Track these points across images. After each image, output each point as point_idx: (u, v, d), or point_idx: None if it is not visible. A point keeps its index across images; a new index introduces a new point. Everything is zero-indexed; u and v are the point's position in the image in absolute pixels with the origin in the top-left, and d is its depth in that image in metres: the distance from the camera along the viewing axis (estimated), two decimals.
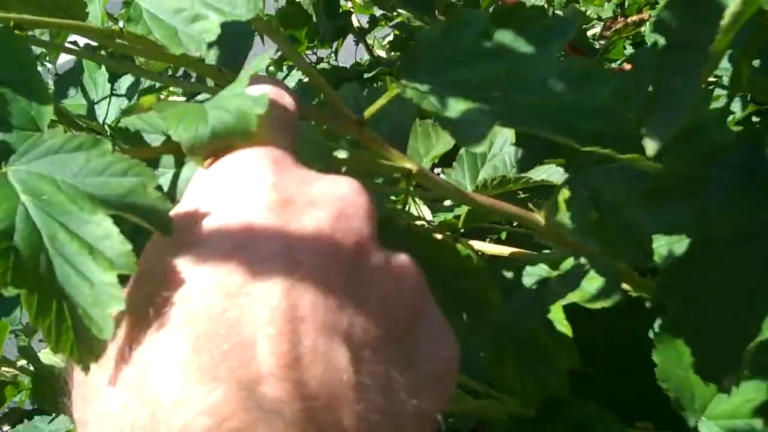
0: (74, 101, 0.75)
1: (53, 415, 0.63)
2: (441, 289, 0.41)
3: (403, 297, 0.30)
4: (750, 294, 0.36)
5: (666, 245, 0.52)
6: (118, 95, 0.73)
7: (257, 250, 0.27)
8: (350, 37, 1.25)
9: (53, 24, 0.39)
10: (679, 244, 0.52)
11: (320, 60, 1.32)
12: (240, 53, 0.44)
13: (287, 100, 0.35)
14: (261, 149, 0.31)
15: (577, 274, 0.45)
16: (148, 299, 0.27)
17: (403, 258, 0.31)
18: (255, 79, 0.33)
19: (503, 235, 0.75)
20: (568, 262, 0.45)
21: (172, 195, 0.37)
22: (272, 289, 0.26)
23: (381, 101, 0.39)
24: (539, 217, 0.43)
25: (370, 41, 1.29)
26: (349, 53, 1.36)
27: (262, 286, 0.26)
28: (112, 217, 0.28)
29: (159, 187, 0.29)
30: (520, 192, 0.78)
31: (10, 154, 0.29)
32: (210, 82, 0.43)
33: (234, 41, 0.43)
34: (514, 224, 0.73)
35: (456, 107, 0.37)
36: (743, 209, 0.36)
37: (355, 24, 1.25)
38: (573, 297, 0.43)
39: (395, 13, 1.17)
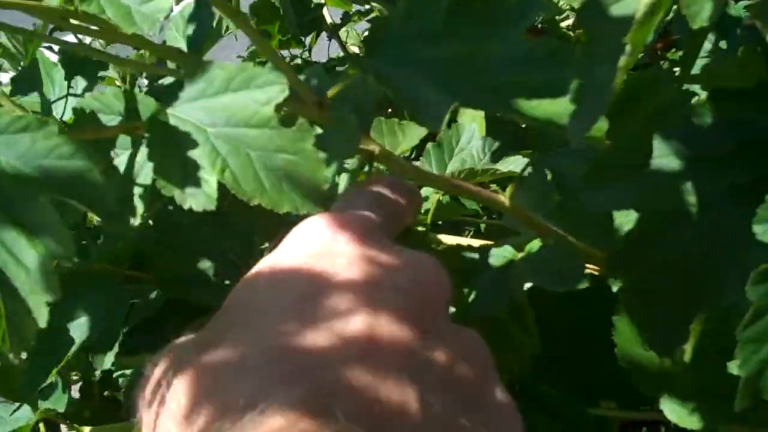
0: (31, 99, 0.73)
1: (16, 404, 0.62)
2: None
3: (466, 371, 0.29)
4: (696, 268, 0.36)
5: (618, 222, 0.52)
6: (75, 95, 0.72)
7: (341, 298, 0.28)
8: (324, 34, 1.25)
9: (8, 4, 0.38)
10: (627, 220, 0.52)
11: (294, 57, 1.31)
12: (200, 35, 0.43)
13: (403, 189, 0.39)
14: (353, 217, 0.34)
15: (541, 256, 0.44)
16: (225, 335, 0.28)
17: (472, 333, 0.32)
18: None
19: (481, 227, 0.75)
20: (534, 244, 0.45)
21: (128, 176, 0.36)
22: (351, 331, 0.27)
23: (343, 82, 0.39)
24: (504, 199, 0.43)
25: (344, 37, 1.28)
26: (323, 51, 1.35)
27: (341, 325, 0.27)
28: (55, 204, 0.27)
29: (107, 171, 0.28)
30: (491, 185, 0.78)
31: None
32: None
33: (195, 23, 0.42)
34: (484, 218, 0.73)
35: (417, 87, 0.37)
36: (688, 183, 0.36)
37: (329, 20, 1.24)
38: (537, 280, 0.43)
39: (369, 7, 1.17)
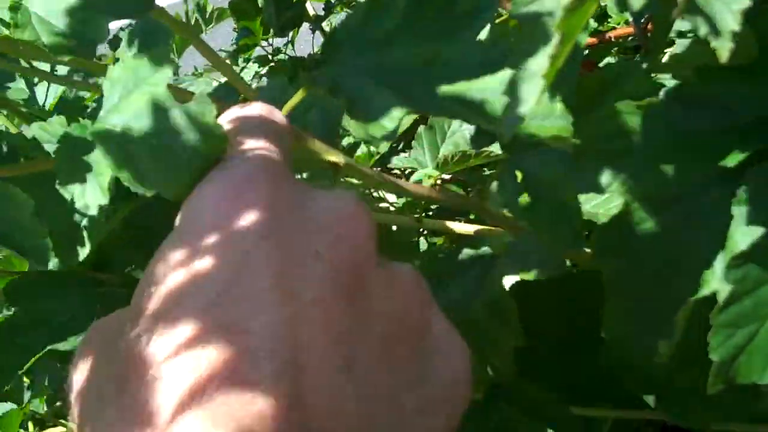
0: (16, 87, 0.72)
1: None
2: None
3: (406, 315, 0.29)
4: (682, 254, 0.34)
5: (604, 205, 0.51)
6: (58, 78, 0.70)
7: (254, 284, 0.25)
8: (306, 25, 1.23)
9: None
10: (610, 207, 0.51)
11: (277, 51, 1.29)
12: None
13: (277, 115, 0.34)
14: (253, 162, 0.30)
15: (520, 254, 0.43)
16: (140, 341, 0.25)
17: (405, 271, 0.30)
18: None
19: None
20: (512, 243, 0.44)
21: (73, 207, 0.35)
22: (270, 324, 0.25)
23: (296, 97, 0.37)
24: (477, 202, 0.42)
25: (327, 28, 1.27)
26: (307, 42, 1.34)
27: (260, 321, 0.25)
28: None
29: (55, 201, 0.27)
30: (485, 169, 0.77)
31: None
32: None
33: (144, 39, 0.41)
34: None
35: (370, 95, 0.36)
36: (673, 167, 0.35)
37: (311, 11, 1.22)
38: (518, 272, 0.42)
39: None
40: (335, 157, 0.41)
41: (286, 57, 1.27)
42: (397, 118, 0.34)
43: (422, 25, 0.37)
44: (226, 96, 0.55)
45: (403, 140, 0.89)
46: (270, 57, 1.28)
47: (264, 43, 1.25)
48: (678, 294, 0.34)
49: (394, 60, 0.37)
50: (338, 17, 1.32)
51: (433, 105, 0.36)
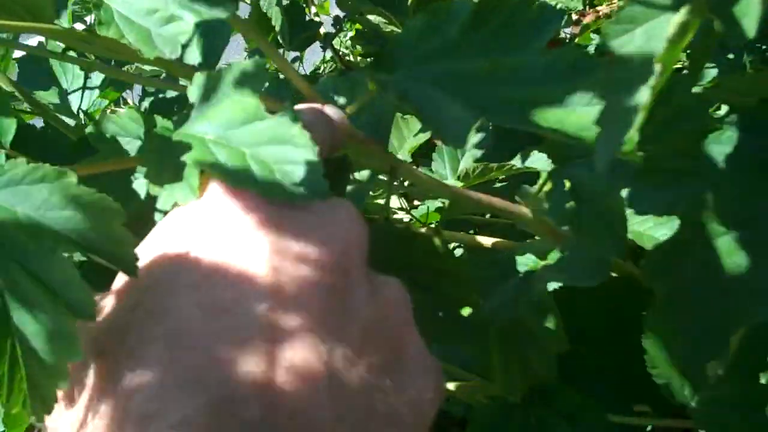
0: (46, 91, 0.72)
1: None
2: (421, 290, 0.40)
3: (385, 326, 0.29)
4: (737, 279, 0.35)
5: (654, 227, 0.52)
6: (91, 88, 0.71)
7: (242, 271, 0.27)
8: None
9: (20, 28, 0.37)
10: (663, 228, 0.52)
11: None
12: (215, 51, 0.42)
13: (337, 115, 0.36)
14: None
15: (566, 258, 0.44)
16: (129, 312, 0.27)
17: (392, 286, 0.31)
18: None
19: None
20: (555, 253, 0.45)
21: (149, 202, 0.36)
22: (253, 313, 0.26)
23: (362, 99, 0.38)
24: (525, 210, 0.43)
25: (336, 44, 1.28)
26: (312, 52, 1.35)
27: (244, 305, 0.26)
28: (73, 258, 0.26)
29: (125, 223, 0.27)
30: (497, 180, 0.78)
31: None
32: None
33: (208, 38, 0.42)
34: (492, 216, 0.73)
35: (438, 103, 0.36)
36: (737, 192, 0.35)
37: (322, 30, 1.23)
38: (563, 279, 0.43)
39: (359, 16, 1.16)
40: (392, 159, 0.42)
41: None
42: (467, 127, 0.35)
43: (485, 36, 0.38)
44: (277, 91, 0.56)
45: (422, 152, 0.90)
46: (280, 75, 1.28)
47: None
48: (739, 315, 0.35)
49: (459, 69, 0.38)
50: (347, 35, 1.34)
51: (498, 114, 0.37)
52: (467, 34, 0.38)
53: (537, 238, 0.50)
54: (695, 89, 0.41)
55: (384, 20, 1.07)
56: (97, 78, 0.68)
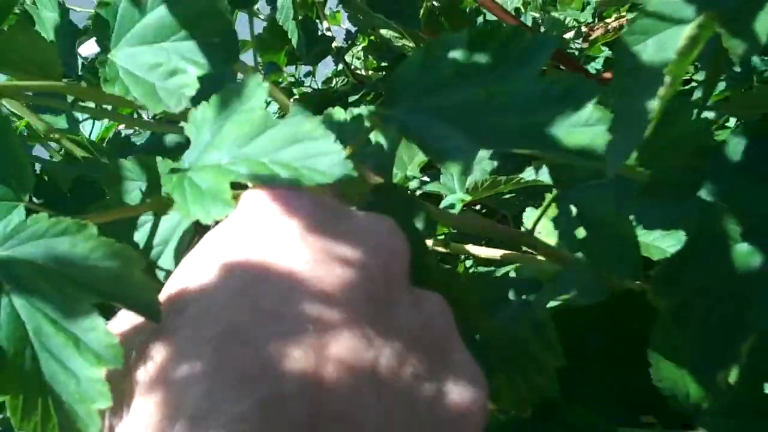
0: (55, 117, 0.74)
1: None
2: None
3: (429, 335, 0.30)
4: (747, 289, 0.35)
5: (660, 238, 0.52)
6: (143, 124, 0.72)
7: (290, 278, 0.27)
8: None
9: (32, 87, 0.39)
10: (670, 238, 0.52)
11: (299, 83, 1.31)
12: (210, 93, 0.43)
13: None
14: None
15: (565, 277, 0.44)
16: (178, 316, 0.27)
17: (434, 298, 0.32)
18: None
19: None
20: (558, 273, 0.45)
21: (149, 246, 0.37)
22: (301, 314, 0.26)
23: (363, 135, 0.39)
24: (528, 237, 0.43)
25: (348, 58, 1.29)
26: (324, 64, 1.36)
27: (292, 310, 0.27)
28: (97, 307, 0.27)
29: (144, 270, 0.28)
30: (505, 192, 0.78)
31: None
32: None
33: (213, 83, 0.43)
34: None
35: (438, 134, 0.37)
36: (747, 202, 0.36)
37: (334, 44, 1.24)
38: (562, 298, 0.44)
39: (371, 30, 1.17)
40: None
41: (310, 89, 1.29)
42: (469, 155, 0.36)
43: (480, 67, 0.39)
44: None
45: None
46: (293, 89, 1.30)
47: (284, 74, 1.27)
48: (749, 325, 0.35)
49: (458, 100, 0.39)
50: (359, 48, 1.34)
51: (496, 141, 0.37)
52: (463, 66, 0.39)
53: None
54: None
55: (396, 34, 1.07)
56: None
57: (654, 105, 0.27)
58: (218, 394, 0.24)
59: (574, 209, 0.42)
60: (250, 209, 0.31)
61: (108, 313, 0.29)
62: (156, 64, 0.36)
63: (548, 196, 0.44)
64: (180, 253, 0.40)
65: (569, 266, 0.47)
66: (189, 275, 0.29)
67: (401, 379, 0.27)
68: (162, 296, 0.29)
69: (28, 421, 0.26)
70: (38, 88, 0.38)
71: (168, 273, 0.38)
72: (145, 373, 0.27)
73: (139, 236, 0.39)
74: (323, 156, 0.30)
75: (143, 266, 0.28)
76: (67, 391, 0.27)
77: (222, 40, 0.36)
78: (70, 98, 0.50)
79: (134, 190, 0.40)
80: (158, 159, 0.36)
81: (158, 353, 0.27)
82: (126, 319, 0.30)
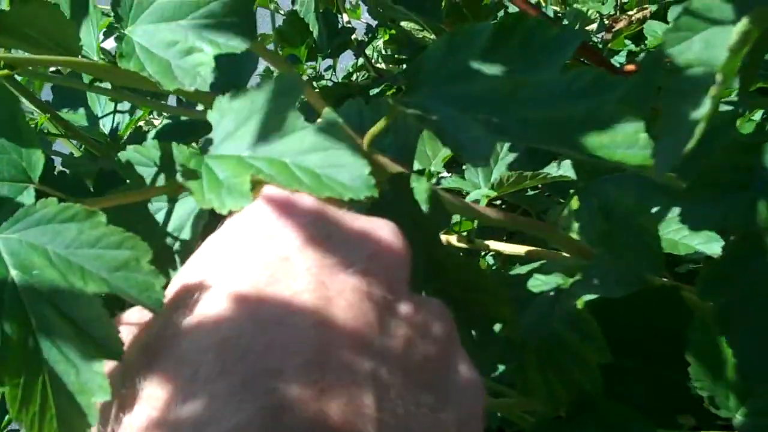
0: (75, 114, 0.74)
1: None
2: (453, 305, 0.40)
3: (429, 343, 0.30)
4: None
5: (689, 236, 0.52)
6: (122, 111, 0.72)
7: (291, 285, 0.28)
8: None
9: (48, 61, 0.38)
10: (698, 236, 0.52)
11: (320, 77, 1.31)
12: (243, 76, 0.43)
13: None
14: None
15: (593, 276, 0.44)
16: (180, 320, 0.27)
17: (434, 303, 0.31)
18: None
19: None
20: (583, 269, 0.45)
21: (163, 230, 0.36)
22: (303, 322, 0.26)
23: (382, 122, 0.39)
24: (553, 230, 0.43)
25: (368, 52, 1.28)
26: (344, 57, 1.35)
27: (293, 318, 0.26)
28: (101, 297, 0.27)
29: (147, 222, 0.28)
30: (529, 189, 0.77)
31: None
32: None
33: (236, 64, 0.42)
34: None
35: (458, 124, 0.36)
36: None
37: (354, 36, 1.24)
38: (595, 291, 0.43)
39: (391, 23, 1.17)
40: None
41: (330, 82, 1.28)
42: (488, 146, 0.35)
43: (505, 57, 0.38)
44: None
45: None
46: (314, 83, 1.29)
47: (305, 67, 1.26)
48: None
49: (480, 90, 0.38)
50: (380, 40, 1.34)
51: (518, 134, 0.36)
52: (487, 55, 0.38)
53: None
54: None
55: (417, 27, 1.07)
56: (126, 103, 0.69)
57: (706, 107, 0.26)
58: (219, 402, 0.24)
59: (595, 203, 0.41)
60: (255, 213, 0.31)
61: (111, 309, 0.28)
62: (172, 41, 0.35)
63: (572, 192, 0.43)
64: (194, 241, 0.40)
65: (597, 259, 0.46)
66: (191, 279, 0.29)
67: (400, 388, 0.27)
68: (167, 294, 0.29)
69: (26, 411, 0.26)
70: (53, 62, 0.38)
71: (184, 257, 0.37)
72: (146, 378, 0.26)
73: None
74: (347, 169, 0.30)
75: (150, 257, 0.27)
76: (68, 381, 0.26)
77: (240, 20, 0.36)
78: (86, 79, 0.50)
79: (150, 175, 0.39)
80: (173, 144, 0.35)
81: (159, 359, 0.26)
82: (132, 317, 0.30)
